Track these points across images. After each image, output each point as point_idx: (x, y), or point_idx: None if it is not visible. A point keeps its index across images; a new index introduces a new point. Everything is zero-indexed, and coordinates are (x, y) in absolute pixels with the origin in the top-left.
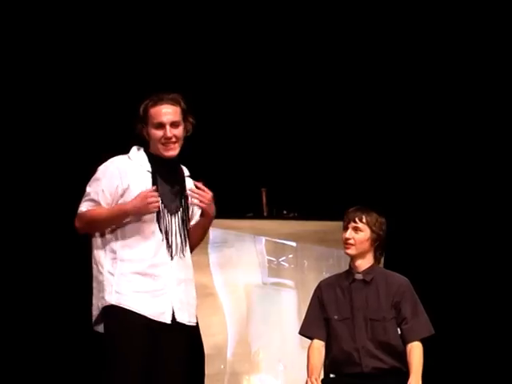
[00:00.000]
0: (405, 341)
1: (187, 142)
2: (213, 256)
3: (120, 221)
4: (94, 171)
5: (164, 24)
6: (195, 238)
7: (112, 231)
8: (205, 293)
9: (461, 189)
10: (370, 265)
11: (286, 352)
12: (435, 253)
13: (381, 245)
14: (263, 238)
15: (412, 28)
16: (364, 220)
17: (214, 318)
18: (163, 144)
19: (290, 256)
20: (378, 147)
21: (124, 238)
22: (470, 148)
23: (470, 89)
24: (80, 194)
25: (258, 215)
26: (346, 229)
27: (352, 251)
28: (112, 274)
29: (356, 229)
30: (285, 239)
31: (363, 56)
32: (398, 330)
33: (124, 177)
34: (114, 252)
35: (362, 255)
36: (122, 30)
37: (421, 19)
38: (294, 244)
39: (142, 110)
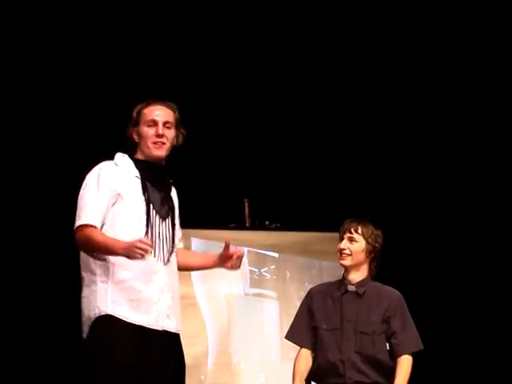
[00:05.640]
0: (394, 355)
1: (171, 152)
2: None
3: (107, 255)
4: (81, 177)
5: (150, 35)
6: (190, 266)
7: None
8: (186, 303)
9: (452, 203)
10: (363, 277)
11: (267, 363)
12: (427, 266)
13: (376, 257)
14: (245, 249)
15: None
16: (360, 231)
17: (194, 328)
18: (154, 143)
19: (272, 267)
20: (360, 159)
21: None
22: (460, 162)
23: (460, 103)
24: (67, 199)
25: (241, 226)
26: (341, 239)
27: (347, 262)
28: (105, 282)
29: (351, 239)
30: (267, 250)
31: (348, 70)
32: (387, 345)
33: (115, 185)
34: (105, 259)
35: (356, 267)
36: (109, 37)
37: (420, 21)
38: (276, 255)
39: (135, 112)
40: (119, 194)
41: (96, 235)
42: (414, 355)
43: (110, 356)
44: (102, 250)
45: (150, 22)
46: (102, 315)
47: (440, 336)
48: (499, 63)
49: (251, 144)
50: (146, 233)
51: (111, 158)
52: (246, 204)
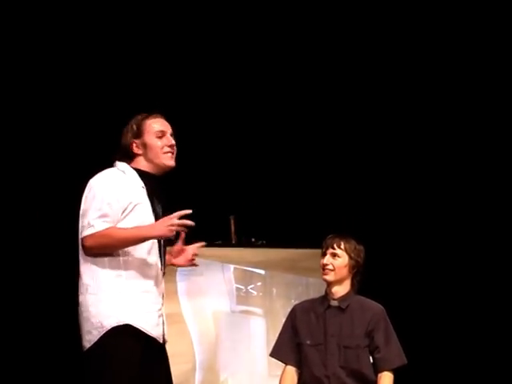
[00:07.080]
0: (376, 370)
1: None
2: (181, 284)
3: (136, 244)
4: (81, 186)
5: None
6: None
7: None
8: (173, 321)
9: (433, 218)
10: (346, 292)
11: (254, 380)
12: (409, 280)
13: (358, 272)
14: (232, 266)
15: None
16: (342, 246)
17: (181, 346)
18: (165, 152)
19: (259, 284)
20: (344, 176)
21: (126, 253)
22: (439, 177)
23: (443, 117)
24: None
25: (227, 243)
26: (324, 255)
27: (330, 277)
28: (119, 291)
29: (334, 255)
30: (253, 267)
31: (333, 82)
32: (371, 358)
33: (127, 192)
34: (117, 268)
35: (339, 282)
36: (101, 42)
37: (420, 21)
38: (262, 272)
39: (135, 124)
40: (131, 202)
41: (113, 230)
42: (398, 369)
43: (128, 366)
44: (126, 243)
45: (143, 30)
46: (120, 325)
47: (423, 350)
48: (491, 66)
49: (236, 161)
50: (159, 244)
51: (106, 164)
52: (232, 221)
